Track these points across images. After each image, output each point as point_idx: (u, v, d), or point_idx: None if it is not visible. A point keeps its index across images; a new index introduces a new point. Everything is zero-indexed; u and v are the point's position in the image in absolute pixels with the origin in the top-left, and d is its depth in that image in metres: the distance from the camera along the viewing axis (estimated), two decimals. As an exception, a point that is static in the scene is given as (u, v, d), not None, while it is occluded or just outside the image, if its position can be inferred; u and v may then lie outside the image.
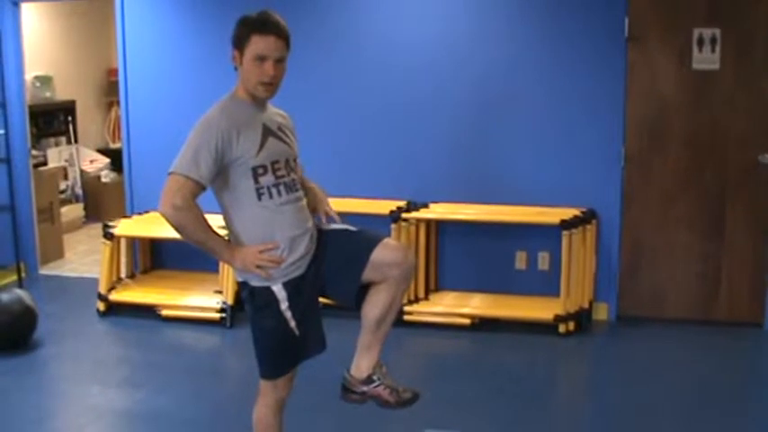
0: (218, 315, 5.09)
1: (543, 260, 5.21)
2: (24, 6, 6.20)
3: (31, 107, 6.52)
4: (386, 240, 2.67)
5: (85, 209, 8.01)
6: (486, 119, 5.18)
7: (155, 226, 5.28)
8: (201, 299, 5.23)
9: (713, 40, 4.80)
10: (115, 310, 5.34)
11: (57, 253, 6.76)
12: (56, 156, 7.72)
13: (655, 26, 4.88)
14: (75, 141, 8.12)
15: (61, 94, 7.97)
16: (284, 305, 2.61)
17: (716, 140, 4.91)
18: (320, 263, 2.67)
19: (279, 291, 2.61)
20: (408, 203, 5.20)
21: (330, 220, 2.81)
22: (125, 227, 5.41)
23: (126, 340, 5.07)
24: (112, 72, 8.09)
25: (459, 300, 5.21)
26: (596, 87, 4.97)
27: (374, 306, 2.66)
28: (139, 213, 5.67)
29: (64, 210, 7.27)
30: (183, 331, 5.10)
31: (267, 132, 2.62)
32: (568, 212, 4.93)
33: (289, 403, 2.82)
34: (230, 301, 5.06)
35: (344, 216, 2.84)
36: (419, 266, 5.09)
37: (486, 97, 5.16)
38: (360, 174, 5.39)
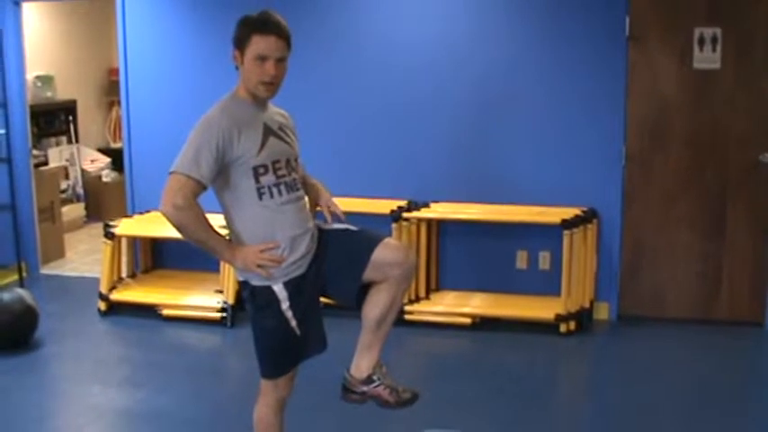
0: (218, 315, 5.09)
1: (544, 260, 5.21)
2: (25, 6, 6.20)
3: (32, 107, 6.52)
4: (387, 240, 2.67)
5: (86, 208, 8.01)
6: (487, 119, 5.19)
7: (156, 225, 5.28)
8: (202, 298, 5.23)
9: (714, 40, 4.80)
10: (116, 309, 5.34)
11: (58, 252, 6.77)
12: (57, 155, 7.73)
13: (655, 26, 4.88)
14: (76, 141, 8.12)
15: (62, 93, 7.98)
16: (285, 305, 2.61)
17: (717, 140, 4.91)
18: (321, 262, 2.67)
19: (280, 290, 2.61)
20: (409, 203, 5.20)
21: (334, 216, 2.80)
22: (126, 226, 5.42)
23: (127, 340, 5.07)
24: (113, 72, 8.09)
25: (460, 299, 5.21)
26: (597, 87, 4.97)
27: (375, 306, 2.66)
28: (140, 213, 5.67)
29: (65, 209, 7.28)
30: (183, 331, 5.11)
31: (268, 132, 2.62)
32: (569, 212, 4.93)
33: (289, 403, 2.82)
34: (231, 301, 5.06)
35: (345, 216, 2.84)
36: (420, 266, 5.10)
37: (486, 97, 5.17)
38: (360, 173, 5.39)
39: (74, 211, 7.78)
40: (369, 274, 2.62)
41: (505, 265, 5.29)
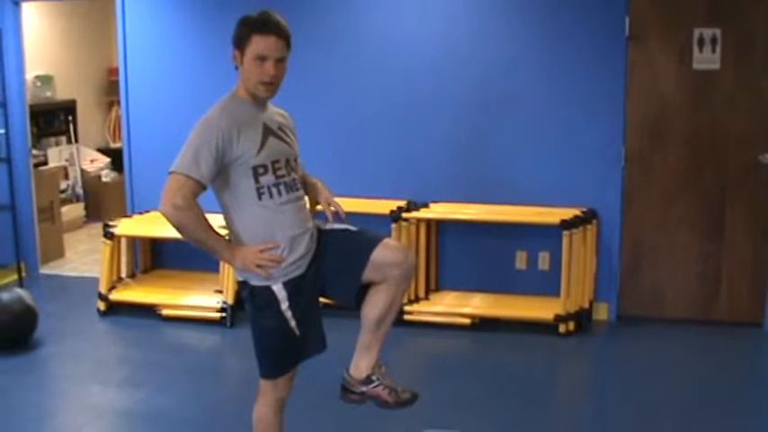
0: (218, 315, 5.09)
1: (543, 260, 5.21)
2: (25, 6, 6.20)
3: (31, 107, 6.52)
4: (386, 240, 2.67)
5: (86, 208, 8.01)
6: (487, 119, 5.19)
7: (155, 225, 5.28)
8: (202, 298, 5.23)
9: (713, 40, 4.80)
10: (115, 309, 5.34)
11: (57, 252, 6.77)
12: (56, 155, 7.73)
13: (655, 26, 4.88)
14: (76, 141, 8.12)
15: (62, 93, 7.98)
16: (284, 305, 2.61)
17: (716, 140, 4.91)
18: (320, 262, 2.67)
19: (279, 290, 2.61)
20: (408, 203, 5.20)
21: (335, 214, 2.80)
22: (125, 226, 5.42)
23: (126, 340, 5.07)
24: (113, 71, 8.09)
25: (460, 299, 5.21)
26: (596, 87, 4.97)
27: (374, 306, 2.66)
28: (140, 213, 5.67)
29: (64, 209, 7.28)
30: (183, 331, 5.11)
31: (267, 132, 2.62)
32: (569, 212, 4.93)
33: (289, 403, 2.82)
34: (230, 301, 5.06)
35: (345, 215, 2.84)
36: (419, 266, 5.10)
37: (486, 97, 5.17)
38: (360, 174, 5.39)
39: (73, 210, 7.78)
40: (368, 275, 2.62)
41: (505, 266, 5.29)
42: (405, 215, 5.04)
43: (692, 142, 4.94)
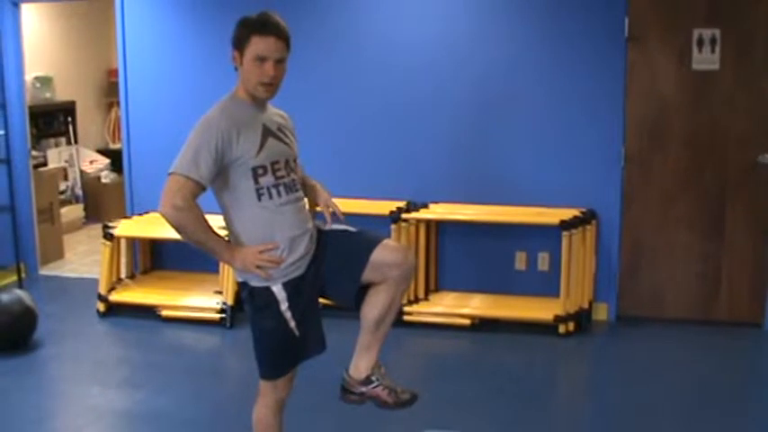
0: (218, 315, 5.09)
1: (543, 260, 5.21)
2: (24, 7, 6.20)
3: (31, 108, 6.52)
4: (386, 241, 2.67)
5: (85, 209, 8.01)
6: (486, 119, 5.19)
7: (155, 226, 5.28)
8: (201, 299, 5.23)
9: (713, 41, 4.80)
10: (115, 310, 5.34)
11: (57, 253, 6.77)
12: (56, 156, 7.73)
13: (655, 26, 4.88)
14: (75, 142, 8.12)
15: (61, 94, 7.98)
16: (284, 305, 2.61)
17: (716, 141, 4.91)
18: (320, 263, 2.67)
19: (279, 291, 2.61)
20: (408, 204, 5.20)
21: (333, 216, 2.80)
22: (125, 227, 5.41)
23: (126, 341, 5.07)
24: (112, 73, 8.09)
25: (459, 300, 5.21)
26: (596, 87, 4.98)
27: (373, 306, 2.66)
28: (139, 214, 5.67)
29: (64, 210, 7.28)
30: (183, 332, 5.10)
31: (267, 133, 2.62)
32: (568, 213, 4.93)
33: (289, 403, 2.82)
34: (230, 302, 5.06)
35: (344, 216, 2.84)
36: (419, 267, 5.10)
37: (486, 97, 5.17)
38: (360, 174, 5.39)
39: (73, 212, 7.78)
40: (367, 275, 2.62)
41: (504, 266, 5.29)
42: (404, 216, 5.04)
43: (692, 142, 4.94)
